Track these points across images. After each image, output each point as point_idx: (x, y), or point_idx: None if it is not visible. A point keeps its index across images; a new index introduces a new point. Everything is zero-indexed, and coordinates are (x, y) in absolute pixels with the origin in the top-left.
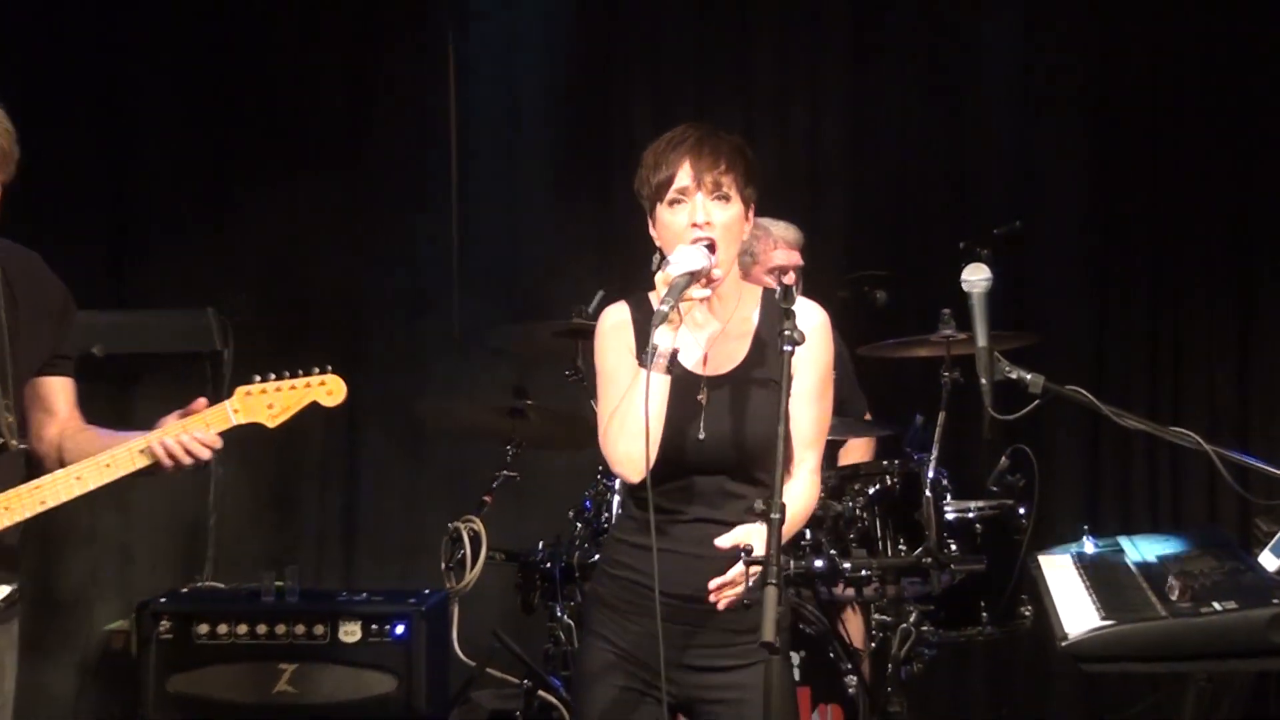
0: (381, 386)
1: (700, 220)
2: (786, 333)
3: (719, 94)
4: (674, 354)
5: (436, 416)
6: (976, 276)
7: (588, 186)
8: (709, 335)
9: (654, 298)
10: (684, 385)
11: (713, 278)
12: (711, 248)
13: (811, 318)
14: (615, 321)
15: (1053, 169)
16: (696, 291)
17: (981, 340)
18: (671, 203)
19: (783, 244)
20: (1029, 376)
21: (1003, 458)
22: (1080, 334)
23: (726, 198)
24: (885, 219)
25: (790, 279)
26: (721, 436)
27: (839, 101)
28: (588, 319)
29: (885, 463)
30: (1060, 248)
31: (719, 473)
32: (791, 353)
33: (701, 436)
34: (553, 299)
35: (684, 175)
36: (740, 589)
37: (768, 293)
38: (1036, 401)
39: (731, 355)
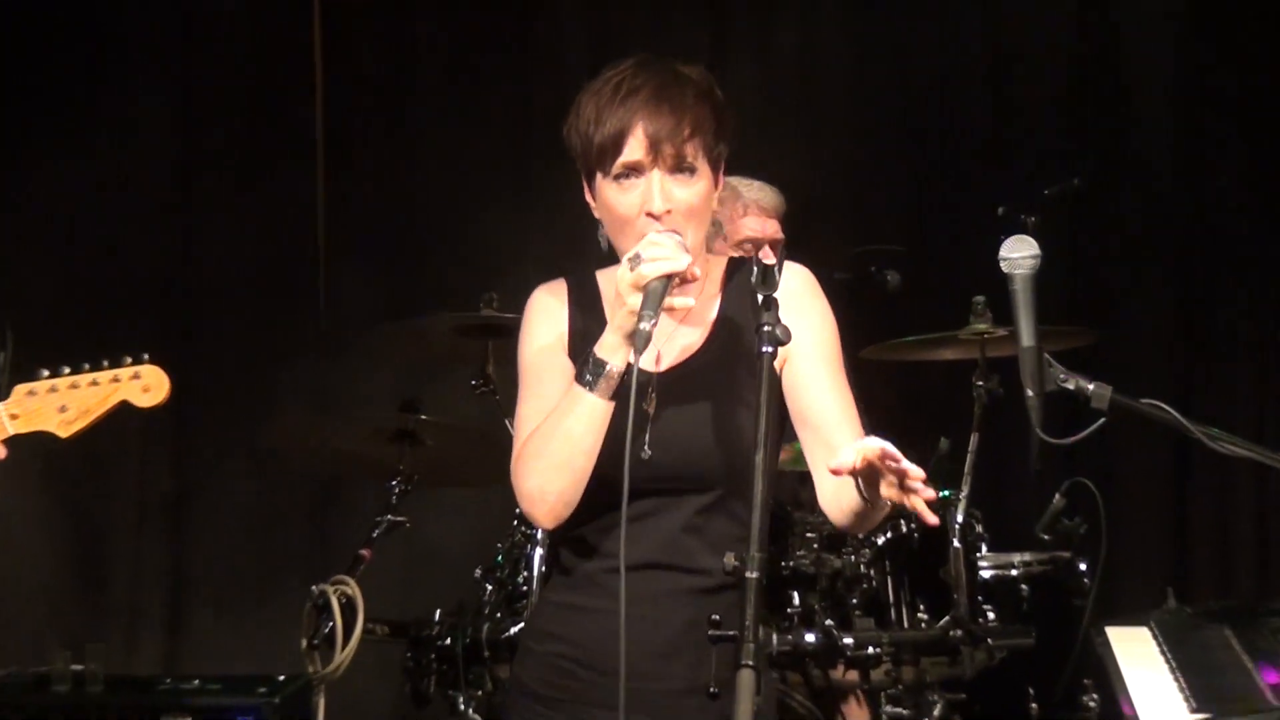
0: (220, 400)
1: (658, 209)
2: (766, 328)
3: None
4: (625, 371)
5: (295, 441)
6: (1020, 253)
7: (509, 123)
8: (664, 322)
9: (603, 278)
10: (625, 385)
11: (692, 277)
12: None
13: (793, 278)
14: (546, 305)
15: (1125, 108)
16: (678, 300)
17: (1027, 339)
18: (618, 177)
19: (755, 209)
20: (1091, 387)
21: (1056, 496)
22: (1161, 330)
23: (691, 169)
24: (898, 174)
25: (767, 255)
26: (678, 451)
27: (838, 9)
28: (501, 311)
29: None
30: (1133, 216)
31: (674, 502)
32: (772, 355)
33: (647, 453)
34: (456, 284)
35: (635, 146)
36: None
37: (735, 262)
38: (1102, 420)
39: (688, 343)
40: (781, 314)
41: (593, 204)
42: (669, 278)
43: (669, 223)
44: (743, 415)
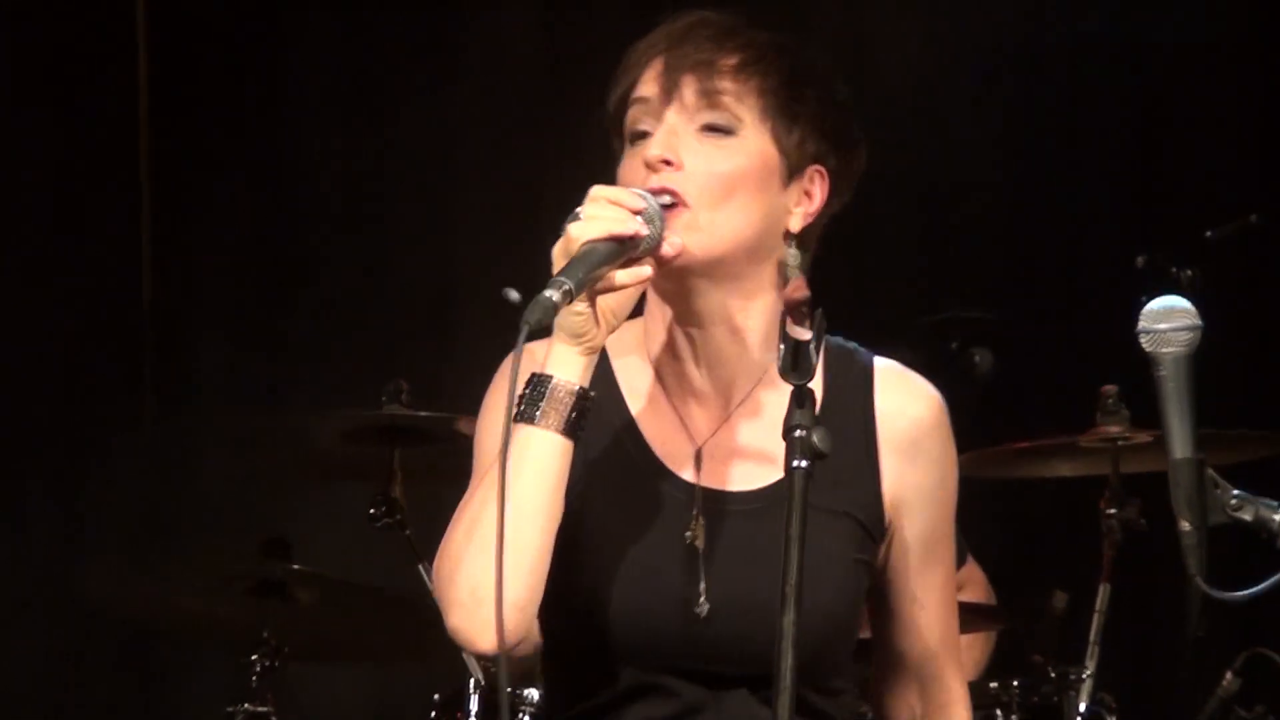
0: (6, 532)
1: (653, 154)
2: (799, 433)
3: None
4: (584, 395)
5: (112, 592)
6: (1171, 323)
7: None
8: (710, 409)
9: (618, 341)
10: (663, 507)
11: (662, 256)
12: (673, 205)
13: (915, 405)
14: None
15: None
16: (624, 274)
17: (1181, 448)
18: (633, 137)
19: None
20: (1278, 517)
21: (1227, 674)
22: None
23: (725, 128)
24: (991, 210)
25: (798, 326)
26: (746, 612)
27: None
28: (414, 408)
29: (995, 684)
30: None
31: (736, 682)
32: (806, 472)
33: (702, 610)
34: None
35: (649, 79)
36: None
37: (839, 348)
38: None
39: (763, 453)
40: (889, 457)
41: None
42: (615, 243)
43: (667, 179)
44: (844, 574)
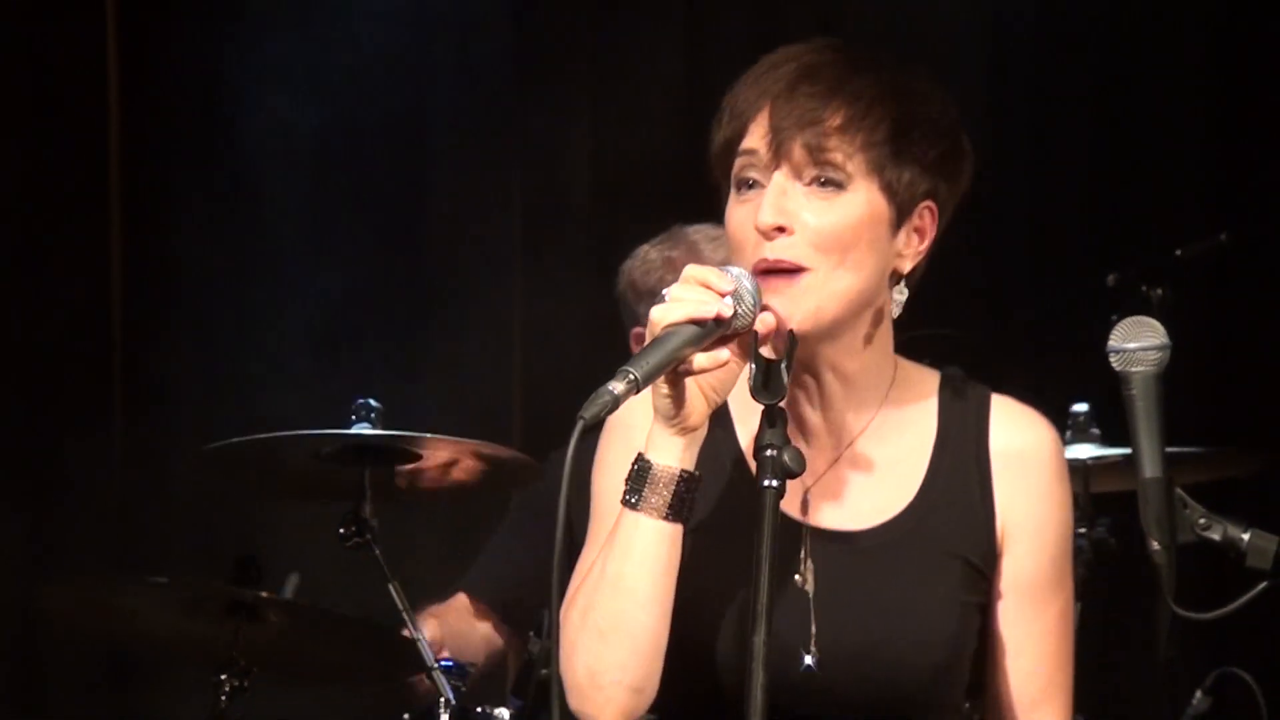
0: None
1: (765, 221)
2: (769, 452)
3: None
4: (686, 478)
5: (78, 608)
6: (1140, 342)
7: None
8: (822, 449)
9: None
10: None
11: (757, 332)
12: (794, 275)
13: (1023, 434)
14: (637, 413)
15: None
16: (702, 358)
17: (1151, 467)
18: (740, 186)
19: None
20: (1247, 536)
21: (1197, 693)
22: None
23: (837, 182)
24: (959, 224)
25: (770, 343)
26: (857, 657)
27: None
28: (385, 427)
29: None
30: None
31: None
32: (777, 491)
33: (811, 660)
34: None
35: (755, 133)
36: None
37: (952, 380)
38: (1263, 586)
39: (873, 493)
40: (1002, 490)
41: None
42: (697, 325)
43: (779, 249)
44: (951, 616)
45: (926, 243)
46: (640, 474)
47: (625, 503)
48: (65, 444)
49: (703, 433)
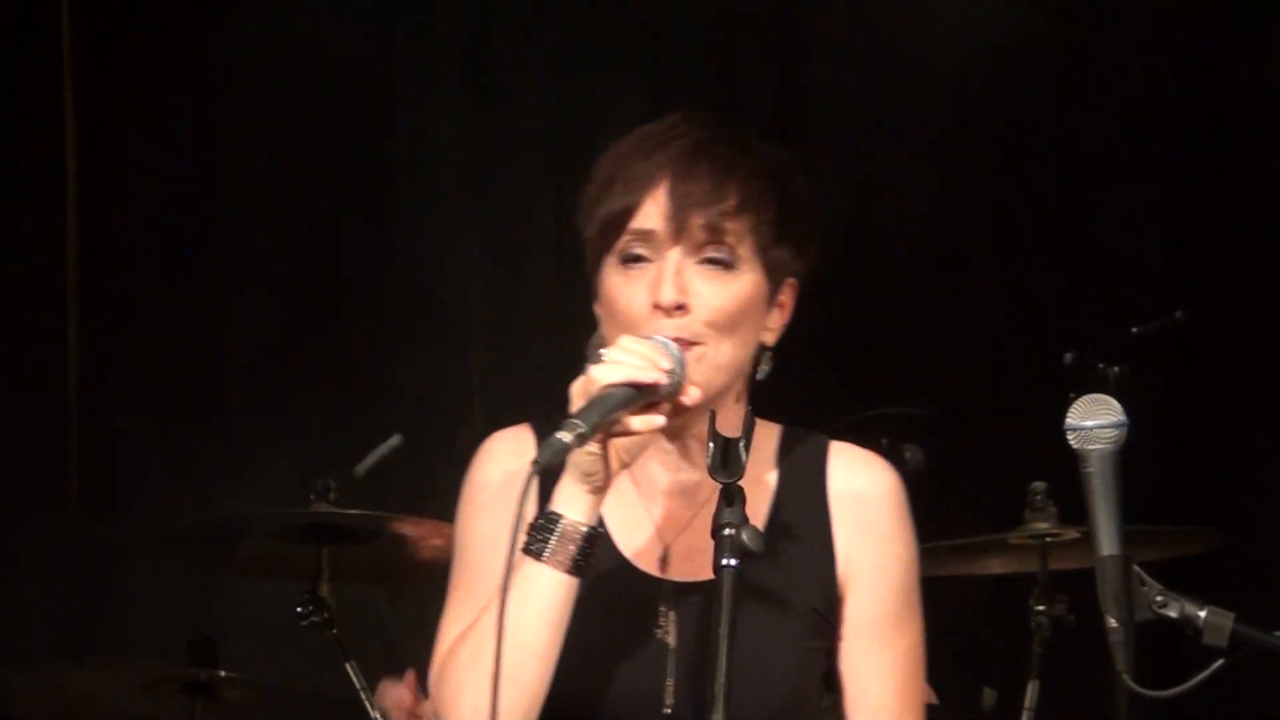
0: None
1: (666, 299)
2: (728, 531)
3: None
4: (592, 536)
5: (40, 695)
6: (1097, 420)
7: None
8: (679, 506)
9: None
10: (629, 601)
11: (680, 404)
12: (687, 347)
13: (870, 482)
14: (503, 464)
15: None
16: (639, 421)
17: (1108, 544)
18: (626, 259)
19: None
20: (1204, 614)
21: None
22: None
23: (729, 262)
24: (923, 302)
25: (733, 424)
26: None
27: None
28: (342, 505)
29: None
30: (1267, 364)
31: None
32: (733, 571)
33: (668, 709)
34: (278, 463)
35: (652, 210)
36: None
37: (791, 433)
38: (1220, 663)
39: None
40: (842, 535)
41: (597, 309)
42: (633, 389)
43: (678, 327)
44: (794, 663)
45: (787, 317)
46: (548, 526)
47: (529, 551)
48: (21, 523)
49: (604, 498)
